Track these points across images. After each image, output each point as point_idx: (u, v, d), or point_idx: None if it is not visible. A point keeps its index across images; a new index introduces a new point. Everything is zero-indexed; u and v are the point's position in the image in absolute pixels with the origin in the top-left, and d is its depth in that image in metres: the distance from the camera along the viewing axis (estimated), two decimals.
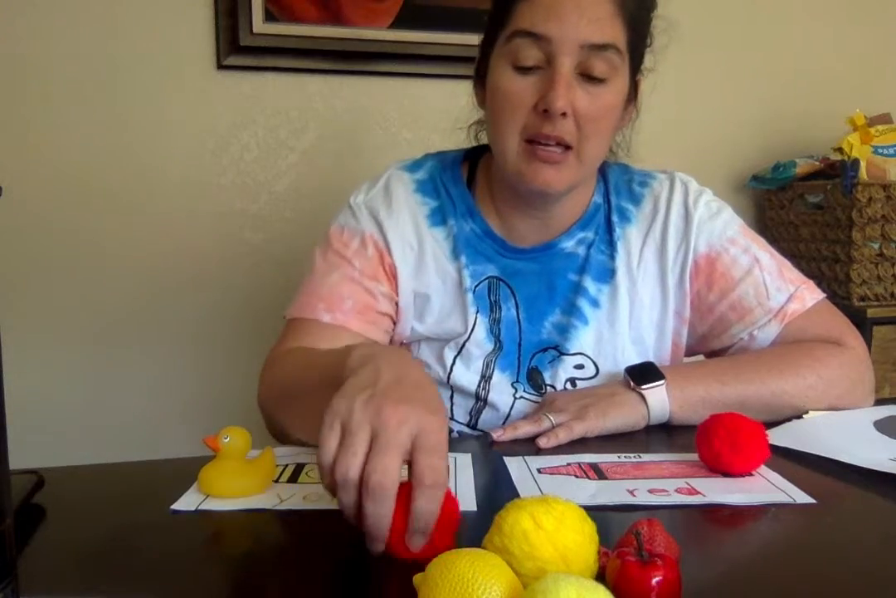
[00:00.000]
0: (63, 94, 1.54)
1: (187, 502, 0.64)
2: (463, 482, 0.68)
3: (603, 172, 1.00)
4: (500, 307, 0.94)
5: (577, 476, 0.69)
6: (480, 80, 0.92)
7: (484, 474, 0.71)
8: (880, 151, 1.70)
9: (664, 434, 0.85)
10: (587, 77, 0.84)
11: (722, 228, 0.96)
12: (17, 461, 0.48)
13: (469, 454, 0.75)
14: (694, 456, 0.72)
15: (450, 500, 0.53)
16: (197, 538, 0.60)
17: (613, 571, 0.46)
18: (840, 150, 1.72)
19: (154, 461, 0.77)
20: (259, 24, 1.58)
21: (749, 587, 0.51)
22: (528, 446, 0.79)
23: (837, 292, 1.76)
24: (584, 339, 0.93)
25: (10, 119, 1.51)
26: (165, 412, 1.63)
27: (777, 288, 0.93)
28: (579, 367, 0.93)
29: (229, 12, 1.57)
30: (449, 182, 0.98)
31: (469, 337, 0.92)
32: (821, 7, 1.98)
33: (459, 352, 0.93)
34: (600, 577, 0.47)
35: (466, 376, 0.93)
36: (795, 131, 1.94)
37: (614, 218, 0.97)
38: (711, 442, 0.70)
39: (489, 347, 0.93)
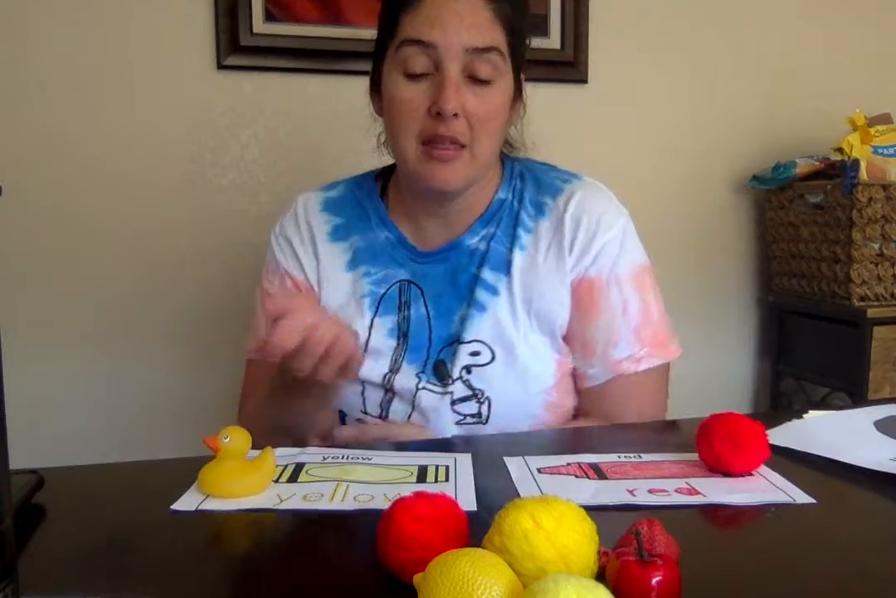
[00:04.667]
0: (63, 94, 1.54)
1: (187, 502, 0.64)
2: (463, 483, 0.68)
3: (520, 168, 1.02)
4: (409, 307, 0.98)
5: (577, 476, 0.69)
6: (376, 89, 0.97)
7: (484, 474, 0.71)
8: (880, 151, 1.71)
9: (664, 434, 0.85)
10: (474, 79, 0.89)
11: (616, 262, 0.96)
12: (17, 461, 0.48)
13: (469, 455, 0.76)
14: (694, 456, 0.72)
15: (451, 506, 0.52)
16: (197, 538, 0.60)
17: (613, 571, 0.46)
18: (840, 150, 1.72)
19: (154, 461, 0.77)
20: (259, 24, 1.58)
21: (749, 587, 0.51)
22: (529, 446, 0.79)
23: (837, 292, 1.76)
24: (479, 326, 0.95)
25: (10, 119, 1.52)
26: (166, 412, 1.63)
27: (627, 341, 0.95)
28: (475, 354, 0.96)
29: (229, 12, 1.57)
30: (364, 197, 1.04)
31: (368, 338, 0.98)
32: (821, 7, 1.98)
33: (366, 349, 0.97)
34: (600, 577, 0.47)
35: (375, 368, 0.97)
36: (795, 131, 1.95)
37: (528, 211, 0.99)
38: (711, 442, 0.70)
39: (392, 343, 0.98)
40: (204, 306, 1.63)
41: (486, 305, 0.96)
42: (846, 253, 1.71)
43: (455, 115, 0.87)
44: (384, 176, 1.06)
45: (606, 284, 0.96)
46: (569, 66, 1.79)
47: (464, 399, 0.95)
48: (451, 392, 0.95)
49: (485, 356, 0.95)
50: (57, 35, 1.52)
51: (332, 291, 1.01)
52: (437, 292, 0.98)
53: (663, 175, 1.93)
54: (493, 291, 0.96)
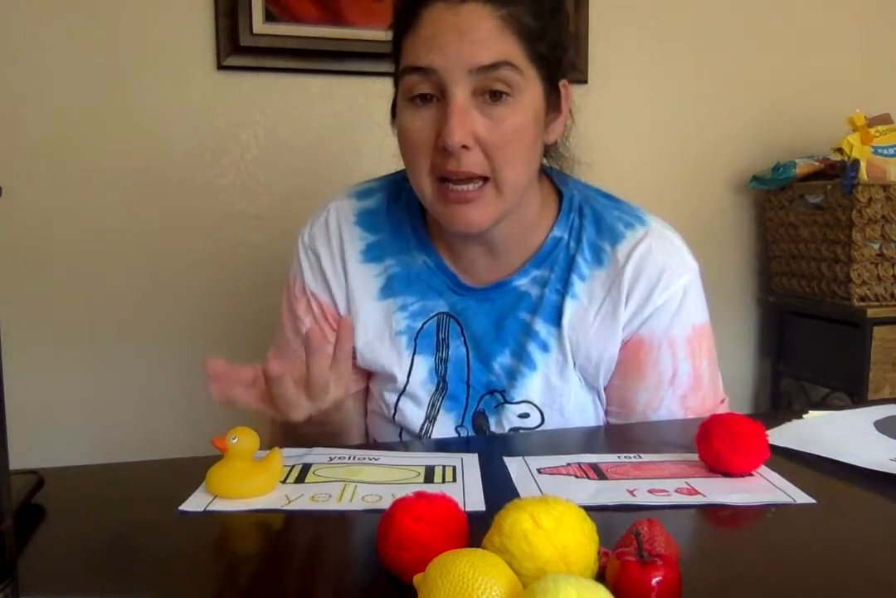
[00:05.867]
0: (63, 93, 1.54)
1: (196, 502, 0.64)
2: (470, 483, 0.67)
3: (580, 200, 0.93)
4: (447, 345, 0.91)
5: (577, 476, 0.69)
6: (395, 118, 0.87)
7: (484, 474, 0.71)
8: (880, 151, 1.71)
9: (664, 434, 0.85)
10: (487, 100, 0.79)
11: (672, 323, 0.89)
12: (17, 461, 0.48)
13: (475, 455, 0.75)
14: (694, 456, 0.72)
15: (451, 506, 0.52)
16: (205, 539, 0.60)
17: (613, 571, 0.45)
18: (840, 150, 1.72)
19: (161, 461, 0.77)
20: (259, 25, 1.58)
21: (749, 587, 0.51)
22: (529, 446, 0.79)
23: (837, 292, 1.76)
24: (530, 386, 0.90)
25: (10, 119, 1.52)
26: (166, 413, 1.63)
27: (669, 408, 0.90)
28: (524, 416, 0.90)
29: (229, 12, 1.57)
30: (403, 213, 0.94)
31: (408, 380, 0.91)
32: (820, 7, 1.98)
33: (403, 391, 0.92)
34: (600, 577, 0.47)
35: (412, 414, 0.92)
36: (795, 131, 1.95)
37: (585, 256, 0.90)
38: (711, 442, 0.69)
39: (430, 388, 0.92)
40: (203, 307, 1.63)
41: (536, 362, 0.89)
42: (846, 253, 1.71)
43: (465, 146, 0.78)
44: None
45: (658, 347, 0.89)
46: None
47: None
48: None
49: (534, 419, 0.90)
50: (57, 35, 1.52)
51: (363, 321, 0.92)
52: (477, 333, 0.91)
53: (663, 175, 1.93)
54: (545, 347, 0.89)
